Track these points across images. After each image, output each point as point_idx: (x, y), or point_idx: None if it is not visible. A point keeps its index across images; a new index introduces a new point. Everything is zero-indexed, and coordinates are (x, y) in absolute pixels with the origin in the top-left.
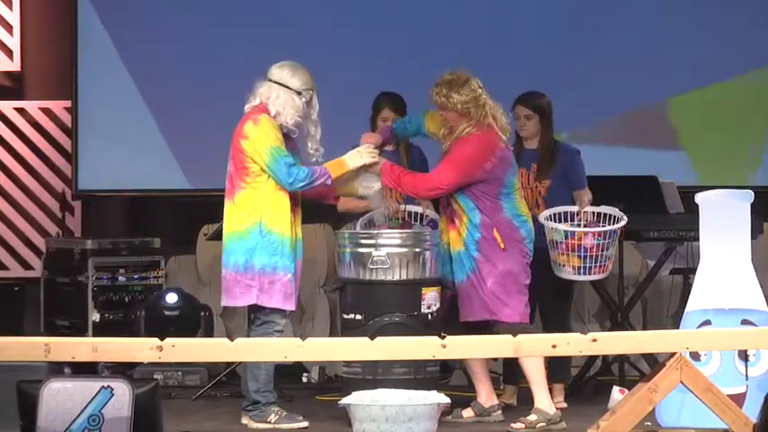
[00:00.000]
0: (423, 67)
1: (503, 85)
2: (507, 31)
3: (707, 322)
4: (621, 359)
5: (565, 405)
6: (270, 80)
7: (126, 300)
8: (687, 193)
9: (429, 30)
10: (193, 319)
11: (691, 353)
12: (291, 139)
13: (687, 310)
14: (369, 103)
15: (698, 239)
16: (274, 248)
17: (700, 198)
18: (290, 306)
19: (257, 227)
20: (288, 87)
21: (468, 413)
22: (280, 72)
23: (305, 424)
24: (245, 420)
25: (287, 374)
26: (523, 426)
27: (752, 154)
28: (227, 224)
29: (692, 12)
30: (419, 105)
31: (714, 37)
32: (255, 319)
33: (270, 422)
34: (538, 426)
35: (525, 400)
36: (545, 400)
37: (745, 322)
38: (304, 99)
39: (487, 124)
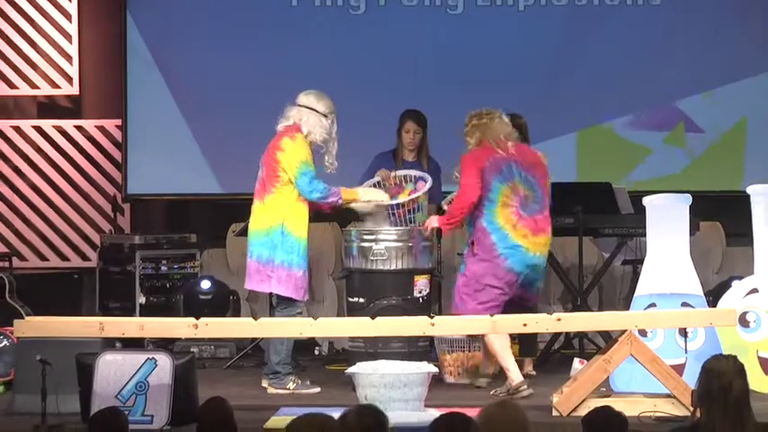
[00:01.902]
0: (437, 89)
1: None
2: (500, 57)
3: (652, 305)
4: (581, 335)
5: (534, 373)
6: (300, 105)
7: (167, 286)
8: (637, 197)
9: (437, 57)
10: (224, 302)
11: (639, 330)
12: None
13: (636, 294)
14: (383, 119)
15: (645, 235)
16: (292, 248)
17: (646, 201)
18: (301, 297)
19: (280, 227)
20: (316, 111)
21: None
22: (308, 99)
23: (317, 389)
24: (264, 383)
25: (302, 348)
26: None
27: None
28: (255, 221)
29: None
30: (437, 120)
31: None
32: (280, 303)
33: (289, 389)
34: (500, 393)
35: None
36: (511, 373)
37: (684, 304)
38: (329, 120)
39: (483, 145)
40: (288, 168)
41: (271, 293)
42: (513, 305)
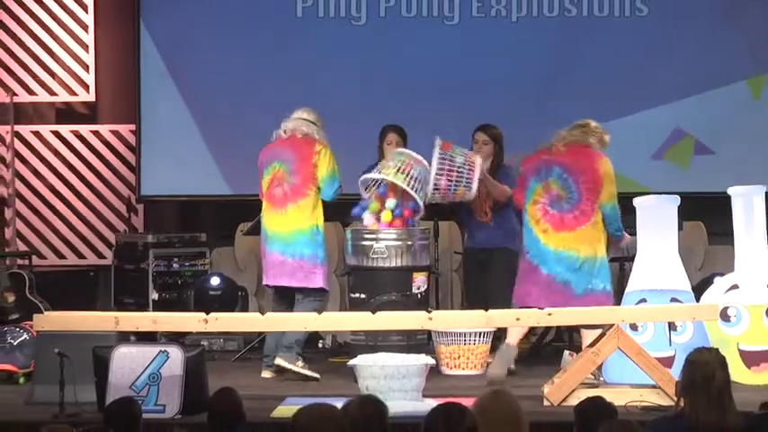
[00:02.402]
0: (434, 95)
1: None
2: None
3: (643, 300)
4: (571, 329)
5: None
6: (307, 120)
7: (179, 282)
8: (625, 198)
9: (435, 65)
10: (232, 298)
11: (631, 324)
12: None
13: (627, 290)
14: (382, 124)
15: (633, 234)
16: (323, 244)
17: (637, 202)
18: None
19: (315, 227)
20: (318, 126)
21: None
22: (314, 115)
23: (317, 376)
24: (266, 374)
25: (306, 341)
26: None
27: None
28: (293, 222)
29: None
30: (433, 125)
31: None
32: (306, 297)
33: (297, 365)
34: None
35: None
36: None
37: (673, 300)
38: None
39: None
40: (321, 174)
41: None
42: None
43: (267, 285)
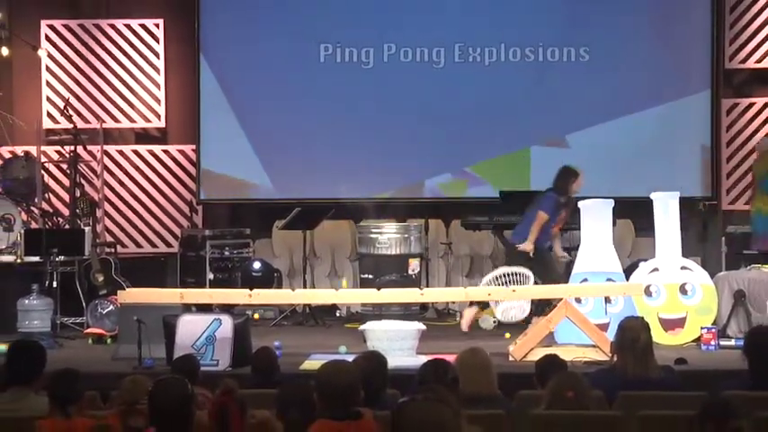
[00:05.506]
0: (425, 122)
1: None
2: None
3: (585, 279)
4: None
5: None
6: None
7: (229, 266)
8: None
9: (425, 99)
10: (270, 278)
11: (576, 298)
12: None
13: (573, 272)
14: (384, 143)
15: (576, 229)
16: None
17: (581, 204)
18: None
19: None
20: None
21: None
22: None
23: None
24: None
25: (327, 310)
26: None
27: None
28: None
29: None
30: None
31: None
32: None
33: None
34: None
35: None
36: None
37: (609, 280)
38: None
39: None
40: None
41: None
42: None
43: None
